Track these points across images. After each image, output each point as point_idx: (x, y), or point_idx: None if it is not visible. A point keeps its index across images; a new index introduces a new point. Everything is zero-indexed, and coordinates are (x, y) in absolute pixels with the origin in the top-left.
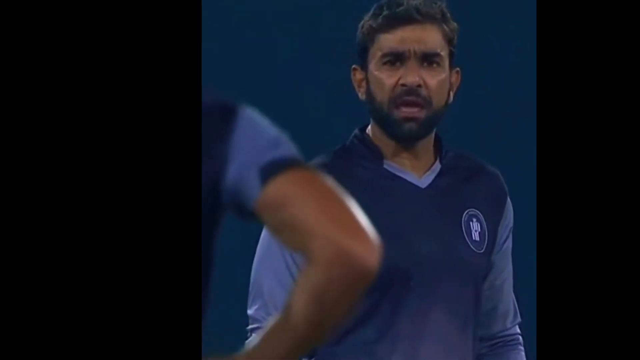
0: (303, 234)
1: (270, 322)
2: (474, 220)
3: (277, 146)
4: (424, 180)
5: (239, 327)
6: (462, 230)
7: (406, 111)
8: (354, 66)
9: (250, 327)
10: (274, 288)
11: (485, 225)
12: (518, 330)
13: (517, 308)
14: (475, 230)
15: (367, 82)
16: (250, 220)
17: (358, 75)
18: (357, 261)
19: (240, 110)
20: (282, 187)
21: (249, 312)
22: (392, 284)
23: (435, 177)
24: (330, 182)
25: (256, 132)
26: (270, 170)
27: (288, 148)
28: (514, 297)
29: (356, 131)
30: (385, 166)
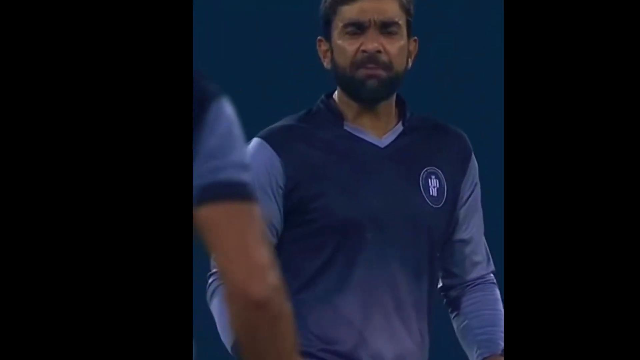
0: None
1: None
2: (433, 177)
3: (225, 168)
4: (384, 140)
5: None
6: (419, 187)
7: (367, 70)
8: (319, 38)
9: (210, 273)
10: None
11: (444, 183)
12: (492, 277)
13: (490, 258)
14: (434, 187)
15: (332, 52)
16: None
17: (323, 46)
18: (242, 295)
19: (214, 104)
20: (209, 214)
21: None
22: (348, 236)
23: (396, 138)
24: (255, 217)
25: (215, 136)
26: (208, 194)
27: (235, 169)
28: (486, 248)
29: (322, 97)
30: (345, 127)
